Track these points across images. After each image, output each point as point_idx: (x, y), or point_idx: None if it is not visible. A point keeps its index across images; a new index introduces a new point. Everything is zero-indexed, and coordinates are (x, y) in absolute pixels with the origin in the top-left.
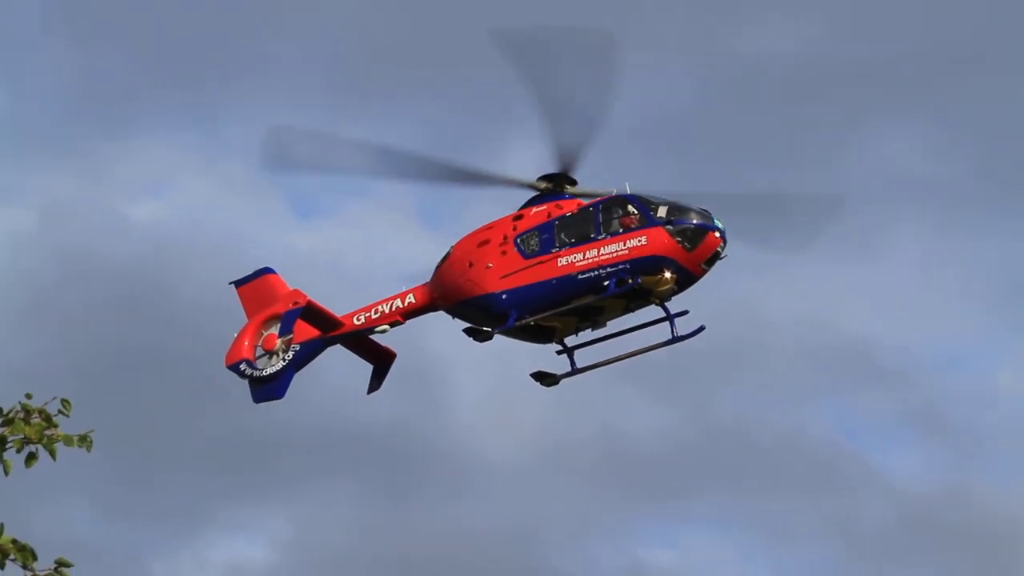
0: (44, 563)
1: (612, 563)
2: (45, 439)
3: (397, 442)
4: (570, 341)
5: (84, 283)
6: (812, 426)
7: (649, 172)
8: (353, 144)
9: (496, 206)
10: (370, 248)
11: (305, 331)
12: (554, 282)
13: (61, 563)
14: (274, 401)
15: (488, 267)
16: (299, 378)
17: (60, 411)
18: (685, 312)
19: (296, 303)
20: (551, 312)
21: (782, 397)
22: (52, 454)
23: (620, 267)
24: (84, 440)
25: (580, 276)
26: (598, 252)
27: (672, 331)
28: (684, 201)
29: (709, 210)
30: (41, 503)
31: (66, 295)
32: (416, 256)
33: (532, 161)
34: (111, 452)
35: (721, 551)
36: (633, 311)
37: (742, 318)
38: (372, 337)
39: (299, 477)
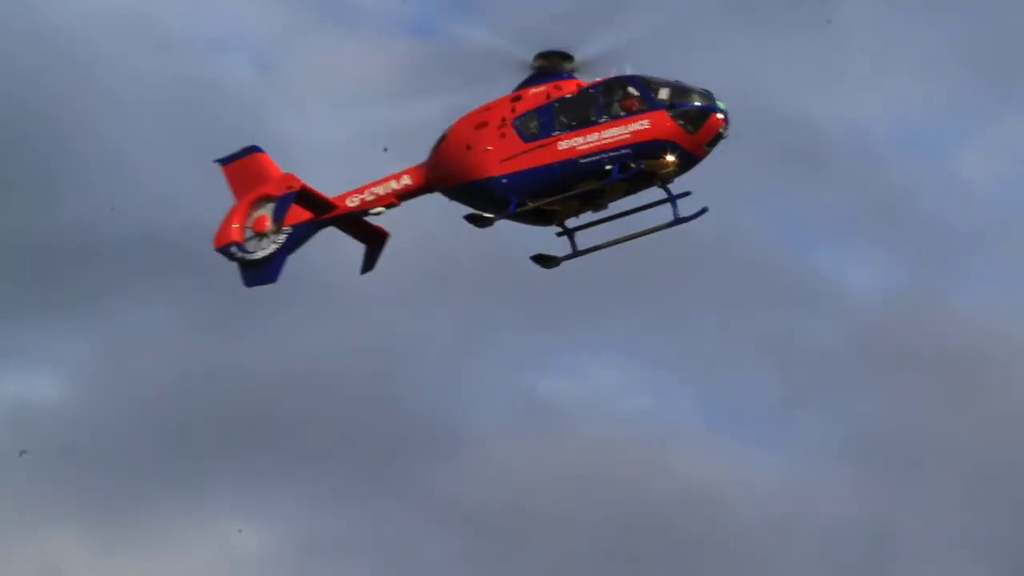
0: None
1: (527, 383)
2: None
3: None
4: (571, 223)
5: None
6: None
7: None
8: None
9: None
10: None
11: (297, 213)
12: (555, 166)
13: None
14: (267, 285)
15: (487, 150)
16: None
17: None
18: (688, 193)
19: (290, 187)
20: (553, 198)
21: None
22: None
23: (623, 151)
24: None
25: (582, 160)
26: (599, 136)
27: (675, 212)
28: (685, 82)
29: (711, 91)
30: None
31: None
32: (230, 18)
33: None
34: None
35: (652, 368)
36: (635, 193)
37: None
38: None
39: (112, 290)
